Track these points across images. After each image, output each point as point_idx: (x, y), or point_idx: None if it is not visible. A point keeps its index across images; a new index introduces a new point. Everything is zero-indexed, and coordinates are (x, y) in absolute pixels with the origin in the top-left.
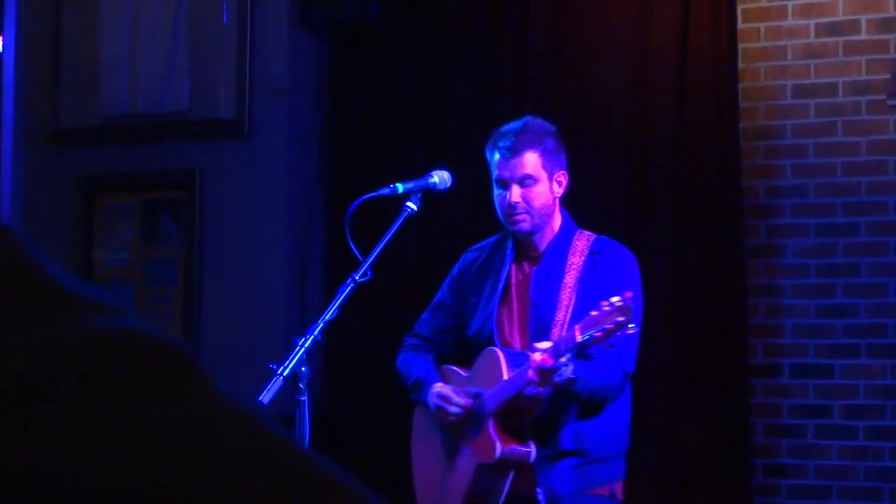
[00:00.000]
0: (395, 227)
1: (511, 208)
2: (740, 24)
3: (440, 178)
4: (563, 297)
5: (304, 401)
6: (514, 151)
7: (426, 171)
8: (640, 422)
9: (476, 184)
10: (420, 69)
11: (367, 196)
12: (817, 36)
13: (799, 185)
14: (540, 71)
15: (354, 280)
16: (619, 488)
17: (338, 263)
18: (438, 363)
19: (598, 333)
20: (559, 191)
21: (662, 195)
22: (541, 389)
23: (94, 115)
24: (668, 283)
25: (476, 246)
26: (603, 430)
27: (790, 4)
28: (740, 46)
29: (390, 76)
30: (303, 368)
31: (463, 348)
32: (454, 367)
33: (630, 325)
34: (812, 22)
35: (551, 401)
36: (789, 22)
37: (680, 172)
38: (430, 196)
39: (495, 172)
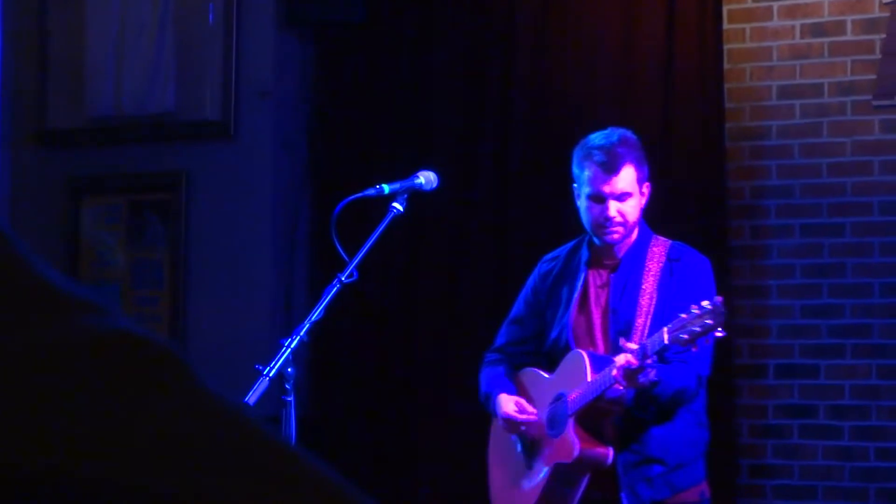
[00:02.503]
0: (381, 227)
1: (607, 222)
2: (725, 25)
3: (426, 178)
4: (643, 302)
5: (290, 401)
6: (612, 168)
7: (412, 172)
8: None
9: (462, 184)
10: (406, 70)
11: (352, 197)
12: (802, 37)
13: (784, 185)
14: (526, 73)
15: (340, 281)
16: (706, 489)
17: (324, 264)
18: (512, 374)
19: (686, 336)
20: (643, 201)
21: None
22: (622, 391)
23: (80, 116)
24: None
25: (549, 255)
26: (682, 434)
27: (775, 5)
28: (726, 47)
29: (376, 77)
30: (289, 369)
31: (541, 358)
32: (537, 370)
33: (718, 330)
34: (797, 23)
35: (631, 404)
36: (775, 23)
37: (665, 173)
38: (416, 197)
39: (589, 188)
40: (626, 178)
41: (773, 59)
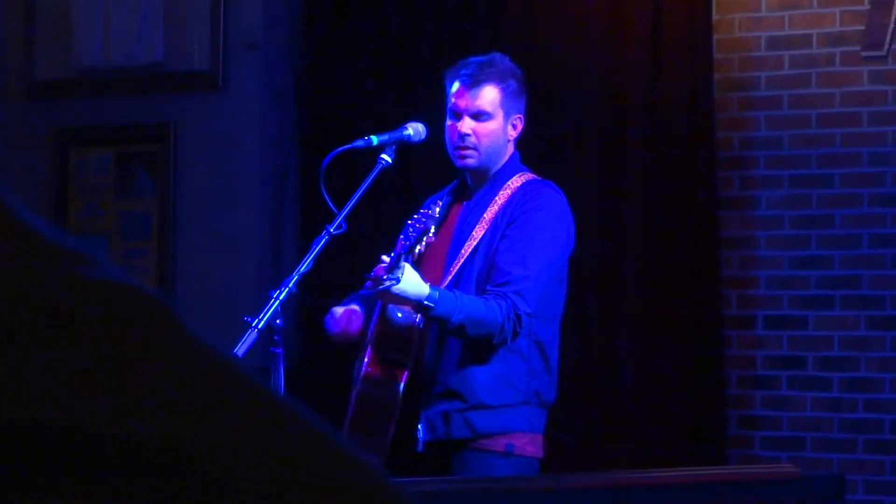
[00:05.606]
0: (370, 179)
1: (460, 140)
2: None
3: (415, 130)
4: (477, 231)
5: (278, 353)
6: (475, 82)
7: (401, 124)
8: (613, 373)
9: None
10: (395, 22)
11: (341, 148)
12: None
13: (773, 136)
14: (514, 25)
15: (329, 232)
16: (520, 442)
17: (312, 216)
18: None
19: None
20: (513, 133)
21: (636, 146)
22: (411, 316)
23: (68, 67)
24: (641, 235)
25: (435, 195)
26: (494, 374)
27: None
28: None
29: (365, 29)
30: (277, 321)
31: None
32: None
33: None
34: None
35: (422, 326)
36: None
37: (654, 124)
38: (405, 148)
39: (451, 101)
40: (487, 96)
41: (762, 10)
